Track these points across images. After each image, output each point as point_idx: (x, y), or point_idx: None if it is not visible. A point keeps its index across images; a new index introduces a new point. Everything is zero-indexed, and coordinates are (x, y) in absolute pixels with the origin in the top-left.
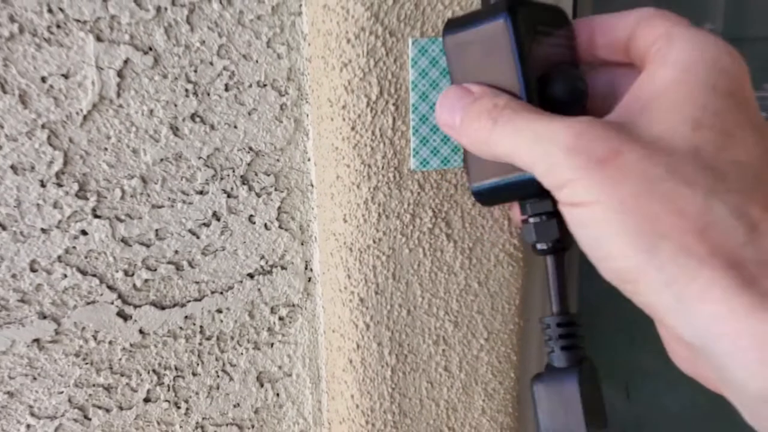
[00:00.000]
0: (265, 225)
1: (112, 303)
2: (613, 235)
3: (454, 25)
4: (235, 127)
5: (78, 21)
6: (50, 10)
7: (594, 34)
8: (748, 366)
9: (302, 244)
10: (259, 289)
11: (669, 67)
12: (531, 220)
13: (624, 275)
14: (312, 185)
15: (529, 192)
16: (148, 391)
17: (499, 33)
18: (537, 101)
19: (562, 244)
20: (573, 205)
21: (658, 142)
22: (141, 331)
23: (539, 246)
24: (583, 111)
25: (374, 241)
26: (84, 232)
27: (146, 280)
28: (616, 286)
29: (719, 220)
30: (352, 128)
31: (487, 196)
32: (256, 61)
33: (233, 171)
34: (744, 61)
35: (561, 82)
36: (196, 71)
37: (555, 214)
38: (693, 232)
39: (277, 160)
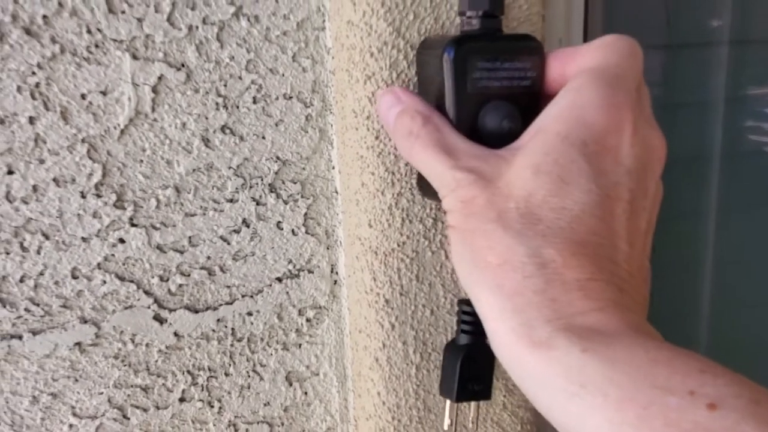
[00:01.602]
0: (293, 231)
1: (149, 307)
2: (455, 255)
3: (423, 45)
4: (263, 137)
5: (115, 41)
6: (89, 31)
7: (566, 63)
8: (530, 393)
9: (328, 248)
10: (287, 293)
11: (547, 114)
12: None
13: (470, 297)
14: (336, 192)
15: None
16: (183, 391)
17: (442, 63)
18: (469, 129)
19: None
20: (447, 226)
21: (504, 187)
22: (176, 334)
23: None
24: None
25: (398, 245)
26: (122, 240)
27: (180, 285)
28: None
29: (515, 258)
30: (376, 137)
31: (420, 185)
32: (283, 75)
33: (261, 180)
34: (626, 113)
35: (490, 118)
36: (225, 85)
37: None
38: (494, 266)
39: (303, 169)
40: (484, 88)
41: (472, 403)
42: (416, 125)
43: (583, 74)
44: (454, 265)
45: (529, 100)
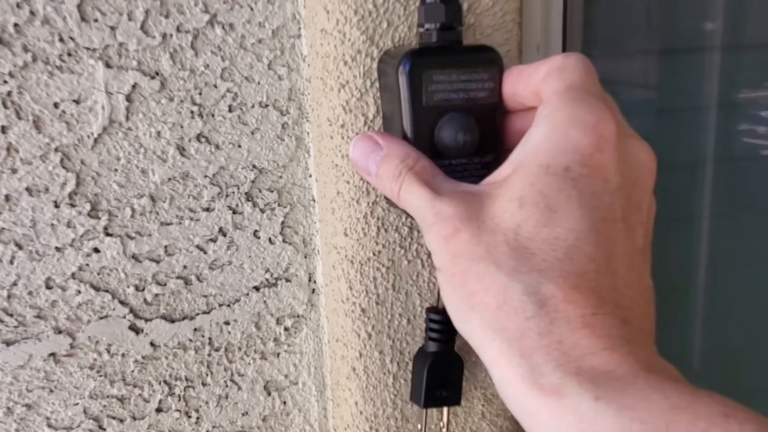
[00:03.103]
0: (270, 239)
1: (124, 317)
2: (447, 300)
3: (384, 56)
4: (239, 146)
5: (88, 49)
6: (61, 40)
7: (516, 83)
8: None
9: (305, 257)
10: (264, 301)
11: (524, 146)
12: None
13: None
14: (314, 200)
15: None
16: (160, 401)
17: (397, 77)
18: (425, 142)
19: None
20: (433, 267)
21: (489, 221)
22: (152, 344)
23: None
24: (477, 151)
25: (374, 254)
26: (96, 250)
27: (156, 295)
28: None
29: (513, 297)
30: None
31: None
32: (258, 83)
33: (238, 188)
34: (607, 132)
35: (446, 131)
36: (200, 94)
37: None
38: (492, 308)
39: (280, 177)
40: (440, 101)
41: (444, 409)
42: (405, 167)
43: (551, 99)
44: (447, 309)
45: (488, 112)
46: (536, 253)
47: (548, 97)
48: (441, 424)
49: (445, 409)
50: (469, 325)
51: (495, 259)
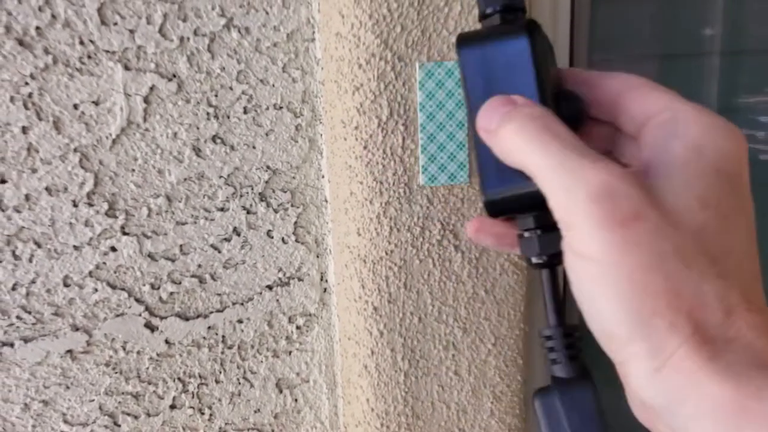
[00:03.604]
0: (283, 239)
1: (140, 315)
2: (609, 297)
3: (469, 40)
4: (254, 147)
5: (107, 52)
6: (82, 42)
7: (582, 87)
8: (705, 426)
9: (318, 256)
10: (277, 300)
11: (680, 144)
12: (527, 234)
13: (608, 335)
14: (326, 201)
15: (536, 205)
16: (174, 398)
17: (519, 52)
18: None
19: (559, 258)
20: (575, 253)
21: (671, 214)
22: (167, 342)
23: (535, 260)
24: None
25: (386, 253)
26: (113, 249)
27: (171, 293)
28: (596, 337)
29: (706, 302)
30: (365, 147)
31: (498, 206)
32: (273, 85)
33: (252, 189)
34: (744, 141)
35: (567, 102)
36: (216, 96)
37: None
38: (683, 312)
39: (293, 178)
40: (553, 78)
41: None
42: (538, 113)
43: (676, 101)
44: (599, 310)
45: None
46: (718, 259)
47: (670, 108)
48: None
49: None
50: (644, 330)
51: (686, 260)
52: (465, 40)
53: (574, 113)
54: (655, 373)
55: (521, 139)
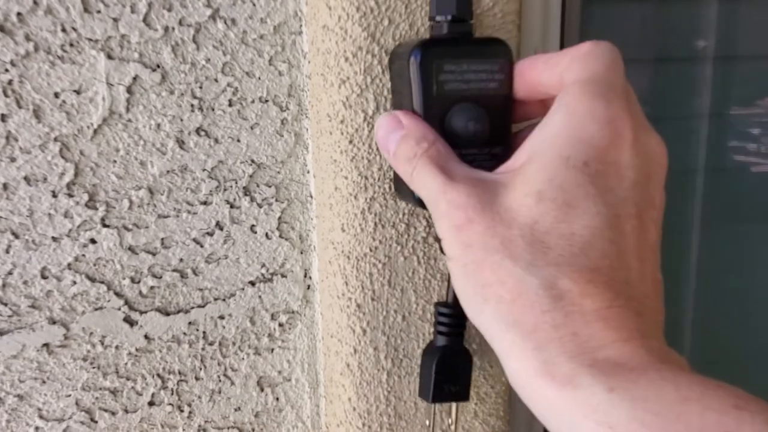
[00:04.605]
0: (266, 234)
1: (119, 309)
2: (460, 290)
3: (395, 50)
4: (238, 140)
5: (90, 40)
6: (64, 30)
7: (542, 71)
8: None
9: (302, 252)
10: (260, 296)
11: (542, 134)
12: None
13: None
14: (311, 196)
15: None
16: (153, 394)
17: (409, 67)
18: (436, 131)
19: None
20: (444, 256)
21: (504, 213)
22: (146, 337)
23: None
24: (487, 141)
25: (371, 250)
26: (93, 241)
27: (152, 287)
28: None
29: (529, 291)
30: (350, 142)
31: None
32: (259, 78)
33: (236, 182)
34: (623, 124)
35: (456, 120)
36: (201, 87)
37: None
38: (507, 301)
39: (278, 172)
40: (451, 91)
41: (453, 405)
42: (420, 149)
43: (572, 89)
44: (459, 298)
45: (498, 103)
46: (552, 247)
47: (569, 86)
48: (449, 420)
49: (453, 405)
50: (482, 317)
51: (511, 253)
52: (393, 51)
53: (463, 131)
54: (513, 374)
55: (408, 175)
